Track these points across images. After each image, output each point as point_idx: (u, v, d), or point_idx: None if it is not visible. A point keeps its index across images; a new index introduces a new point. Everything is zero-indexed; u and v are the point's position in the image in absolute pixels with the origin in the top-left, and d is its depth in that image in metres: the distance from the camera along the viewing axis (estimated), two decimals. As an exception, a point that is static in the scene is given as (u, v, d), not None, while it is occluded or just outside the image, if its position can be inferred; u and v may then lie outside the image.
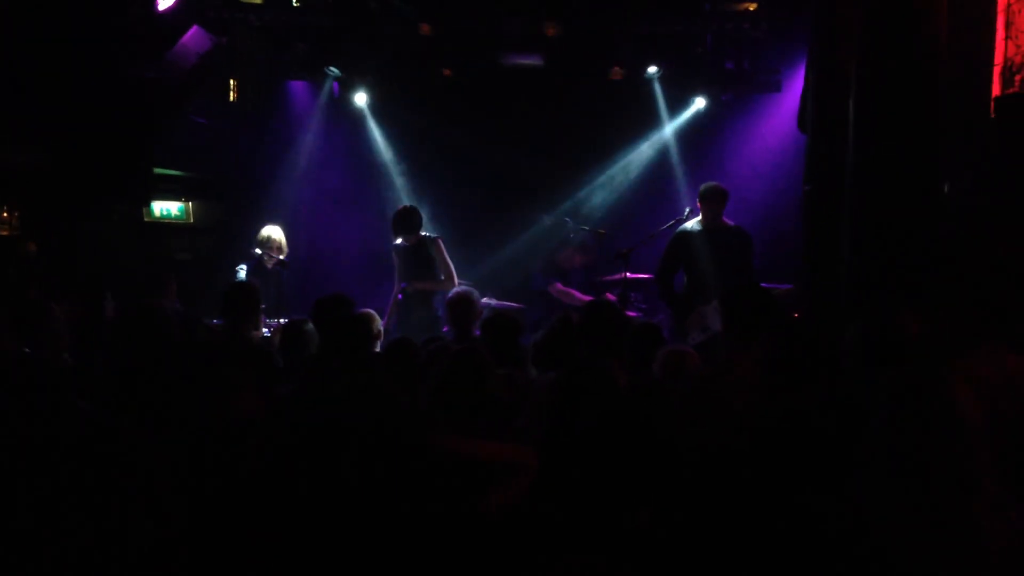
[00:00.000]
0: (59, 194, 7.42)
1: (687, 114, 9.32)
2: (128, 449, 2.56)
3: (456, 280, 7.29)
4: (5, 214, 7.39)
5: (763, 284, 6.73)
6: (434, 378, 3.65)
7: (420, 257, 7.43)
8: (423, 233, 7.50)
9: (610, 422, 2.53)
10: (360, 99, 9.32)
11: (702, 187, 7.12)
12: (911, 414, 2.36)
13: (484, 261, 9.12)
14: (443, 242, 7.49)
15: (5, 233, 7.35)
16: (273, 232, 7.84)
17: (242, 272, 7.58)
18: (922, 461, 2.32)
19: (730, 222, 7.09)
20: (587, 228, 8.50)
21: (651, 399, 3.62)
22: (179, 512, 2.54)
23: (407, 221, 7.41)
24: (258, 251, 7.71)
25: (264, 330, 6.58)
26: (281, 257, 7.64)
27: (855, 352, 3.39)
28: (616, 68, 8.80)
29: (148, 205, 8.61)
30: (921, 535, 2.24)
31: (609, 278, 8.12)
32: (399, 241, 7.50)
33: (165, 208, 9.16)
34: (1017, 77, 5.48)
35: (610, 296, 7.77)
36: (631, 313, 7.12)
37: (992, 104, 5.61)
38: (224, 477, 2.83)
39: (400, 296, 7.48)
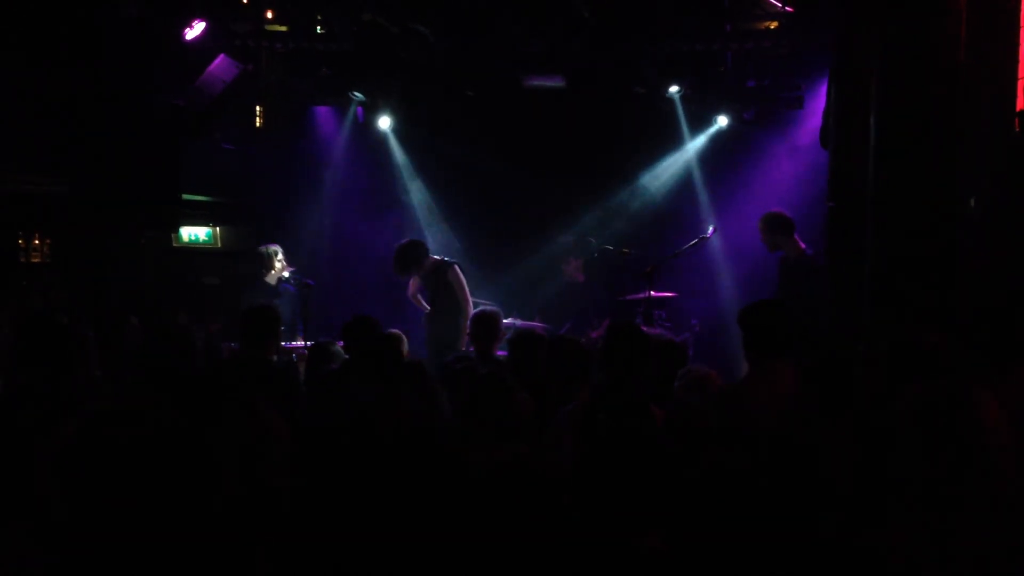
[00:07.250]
0: (88, 221, 7.53)
1: (709, 132, 9.31)
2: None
3: (471, 308, 7.23)
4: (36, 241, 7.52)
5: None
6: (460, 400, 3.66)
7: (437, 282, 7.46)
8: (442, 259, 7.52)
9: (640, 449, 2.53)
10: (384, 123, 9.39)
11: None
12: (940, 429, 2.34)
13: (507, 281, 9.14)
14: (460, 268, 7.49)
15: (36, 260, 7.47)
16: (271, 247, 7.76)
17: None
18: (951, 477, 2.29)
19: (807, 250, 6.99)
20: (611, 247, 8.50)
21: (675, 423, 3.61)
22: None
23: (403, 259, 7.40)
24: (270, 271, 7.68)
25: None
26: (286, 274, 7.62)
27: (882, 367, 3.36)
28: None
29: (177, 231, 8.72)
30: (949, 554, 2.21)
31: (633, 297, 8.11)
32: None
33: (194, 233, 9.27)
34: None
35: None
36: (656, 330, 7.10)
37: (1016, 119, 5.57)
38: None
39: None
